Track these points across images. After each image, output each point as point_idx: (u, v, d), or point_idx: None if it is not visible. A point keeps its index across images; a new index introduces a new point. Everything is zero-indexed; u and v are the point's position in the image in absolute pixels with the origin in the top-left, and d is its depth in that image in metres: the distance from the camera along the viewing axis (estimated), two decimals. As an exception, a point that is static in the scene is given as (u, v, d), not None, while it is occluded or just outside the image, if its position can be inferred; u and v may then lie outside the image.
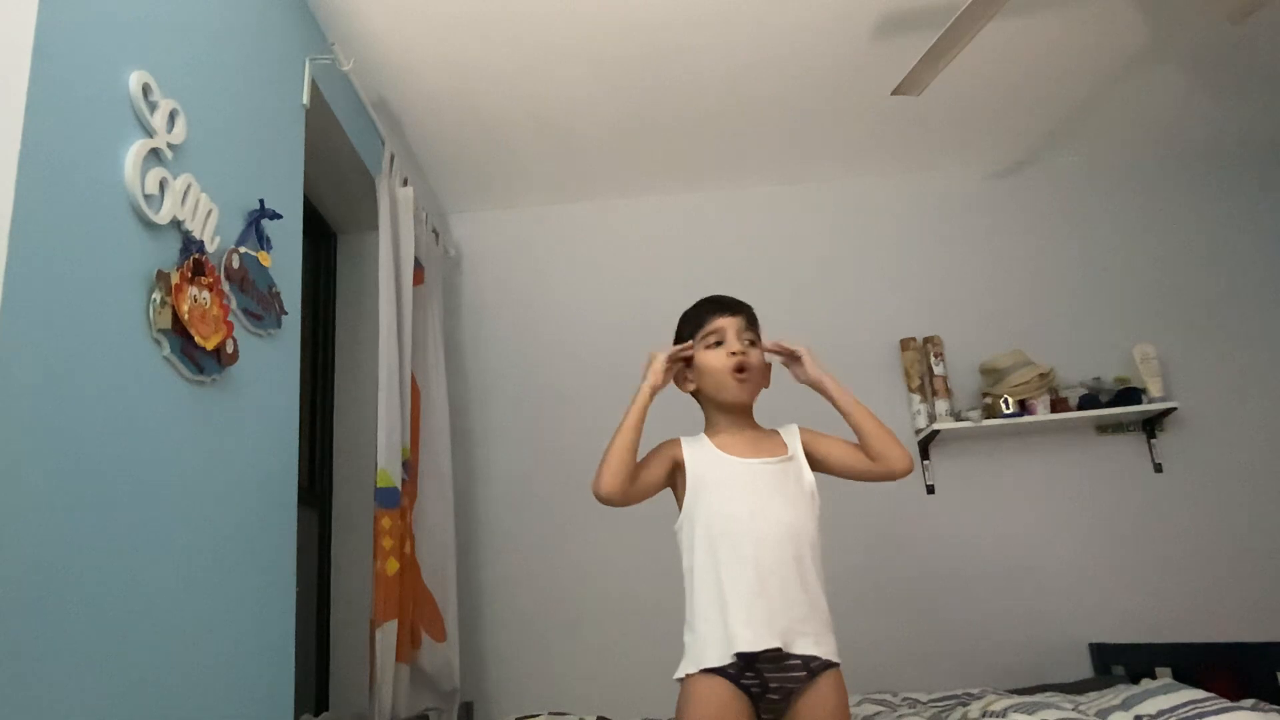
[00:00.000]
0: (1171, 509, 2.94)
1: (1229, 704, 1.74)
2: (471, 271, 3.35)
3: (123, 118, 1.40)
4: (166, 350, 1.44)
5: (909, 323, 3.14)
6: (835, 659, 1.56)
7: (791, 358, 1.77)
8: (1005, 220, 3.30)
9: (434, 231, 3.04)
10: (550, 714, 2.24)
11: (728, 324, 1.73)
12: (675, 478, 1.70)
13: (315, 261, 3.03)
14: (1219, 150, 3.32)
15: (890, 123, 3.01)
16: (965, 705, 2.11)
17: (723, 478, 1.65)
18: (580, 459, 3.11)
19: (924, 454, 3.02)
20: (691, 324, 1.79)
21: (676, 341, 1.81)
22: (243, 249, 1.71)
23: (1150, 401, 2.90)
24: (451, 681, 2.57)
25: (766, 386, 1.79)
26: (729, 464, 1.66)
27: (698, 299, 1.83)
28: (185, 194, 1.52)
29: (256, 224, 1.79)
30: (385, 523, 2.29)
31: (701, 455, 1.69)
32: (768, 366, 1.78)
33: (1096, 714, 1.88)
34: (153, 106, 1.46)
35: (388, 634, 2.19)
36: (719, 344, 1.73)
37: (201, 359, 1.53)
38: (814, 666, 1.53)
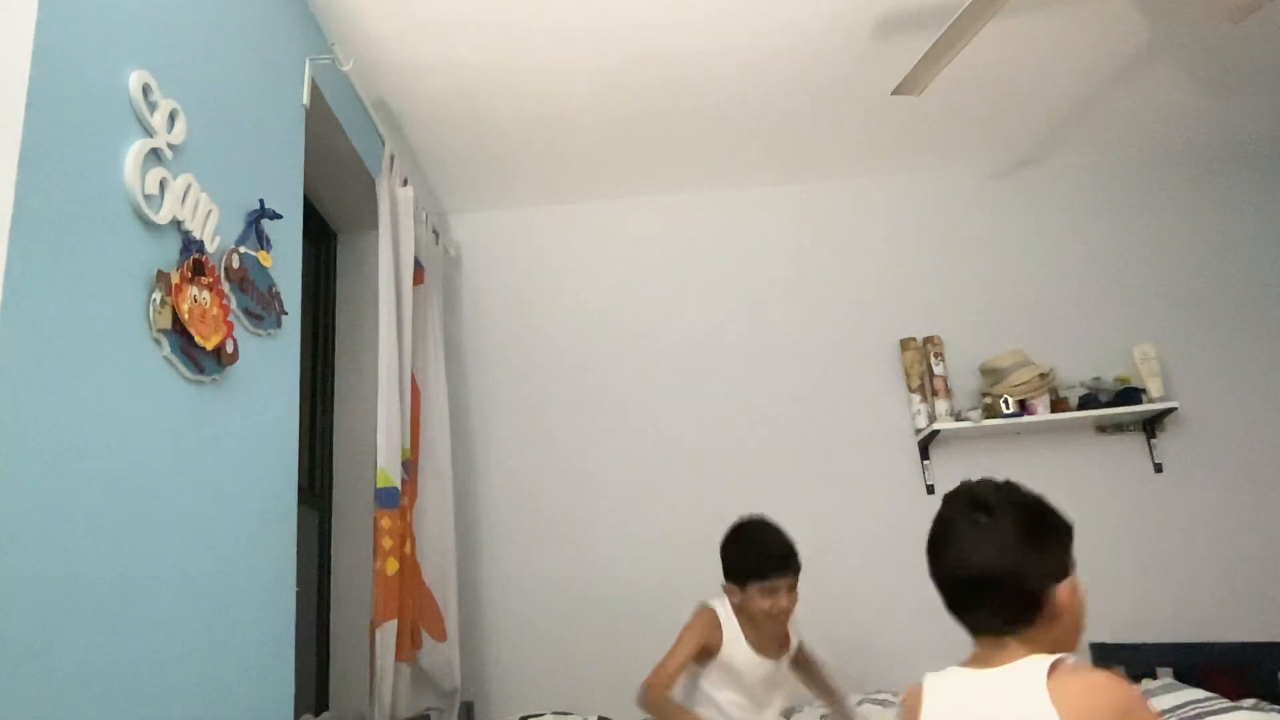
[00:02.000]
0: (1171, 509, 2.94)
1: (1230, 704, 1.74)
2: (471, 271, 3.35)
3: (123, 118, 1.40)
4: (166, 350, 1.44)
5: (909, 323, 3.13)
6: None
7: None
8: (1005, 220, 3.30)
9: (434, 231, 3.04)
10: (552, 714, 2.24)
11: (784, 583, 1.98)
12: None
13: (315, 261, 3.02)
14: (1219, 150, 3.32)
15: (890, 123, 3.01)
16: (965, 705, 2.10)
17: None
18: (580, 458, 3.15)
19: (924, 454, 3.02)
20: (755, 574, 1.99)
21: (724, 558, 2.05)
22: (243, 249, 1.71)
23: (1150, 401, 2.90)
24: (452, 681, 2.57)
25: None
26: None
27: (753, 538, 2.05)
28: (185, 194, 1.52)
29: (256, 224, 1.79)
30: (385, 523, 2.29)
31: (738, 650, 2.02)
32: None
33: (1097, 714, 1.88)
34: (153, 106, 1.46)
35: (388, 634, 2.19)
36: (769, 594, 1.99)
37: (201, 359, 1.53)
38: None
